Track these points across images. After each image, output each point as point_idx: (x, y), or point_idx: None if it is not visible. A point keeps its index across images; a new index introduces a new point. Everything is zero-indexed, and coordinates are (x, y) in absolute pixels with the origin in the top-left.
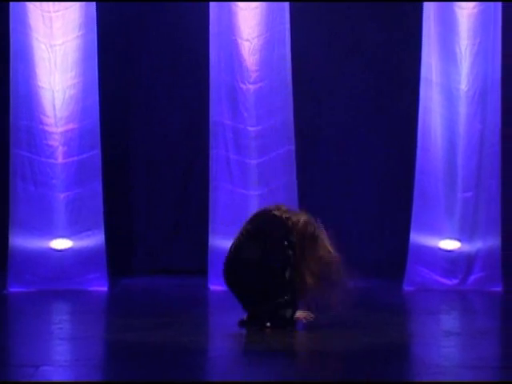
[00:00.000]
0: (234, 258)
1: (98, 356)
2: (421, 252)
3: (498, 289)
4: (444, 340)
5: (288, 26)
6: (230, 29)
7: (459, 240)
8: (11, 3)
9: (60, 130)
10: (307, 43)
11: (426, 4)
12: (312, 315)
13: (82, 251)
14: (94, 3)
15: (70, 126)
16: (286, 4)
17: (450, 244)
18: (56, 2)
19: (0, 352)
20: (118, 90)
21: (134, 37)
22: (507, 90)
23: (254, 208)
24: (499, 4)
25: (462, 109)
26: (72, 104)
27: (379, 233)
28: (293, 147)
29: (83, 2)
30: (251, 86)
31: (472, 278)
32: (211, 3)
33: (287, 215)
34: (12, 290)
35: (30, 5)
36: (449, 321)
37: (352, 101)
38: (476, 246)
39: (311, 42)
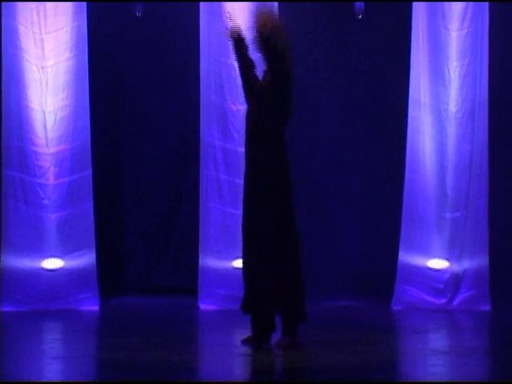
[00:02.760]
0: None
1: (89, 375)
2: (409, 271)
3: (486, 308)
4: (432, 358)
5: None
6: (220, 51)
7: (448, 259)
8: (3, 25)
9: (51, 150)
10: (297, 64)
11: (414, 26)
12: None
13: (73, 271)
14: (86, 25)
15: (62, 146)
16: None
17: (438, 263)
18: (47, 25)
19: None
20: (109, 111)
21: (125, 59)
22: (494, 110)
23: None
24: (486, 26)
25: (451, 130)
26: (63, 125)
27: (368, 252)
28: None
29: (74, 25)
30: (241, 107)
31: (460, 297)
32: (201, 25)
33: None
34: (4, 309)
35: (22, 27)
36: (437, 339)
37: (342, 121)
38: (464, 265)
39: (301, 63)
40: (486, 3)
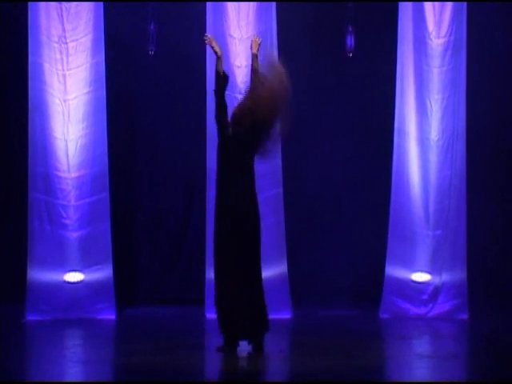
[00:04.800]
0: None
1: (106, 377)
2: (395, 283)
3: (465, 316)
4: (417, 362)
5: None
6: None
7: (430, 273)
8: (30, 62)
9: (72, 175)
10: (293, 97)
11: (399, 63)
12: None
13: (92, 284)
14: (104, 62)
15: (82, 172)
16: None
17: (421, 276)
18: (69, 62)
19: (19, 373)
20: (125, 140)
21: (139, 92)
22: (471, 139)
23: None
24: (464, 63)
25: (433, 156)
26: (83, 152)
27: (359, 267)
28: (281, 190)
29: (93, 62)
30: None
31: (441, 307)
32: (208, 61)
33: None
34: (30, 318)
35: (46, 64)
36: (421, 345)
37: (335, 148)
38: (444, 278)
39: (296, 96)
40: (464, 43)
